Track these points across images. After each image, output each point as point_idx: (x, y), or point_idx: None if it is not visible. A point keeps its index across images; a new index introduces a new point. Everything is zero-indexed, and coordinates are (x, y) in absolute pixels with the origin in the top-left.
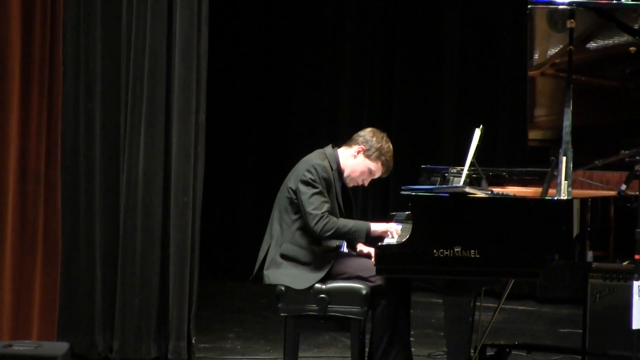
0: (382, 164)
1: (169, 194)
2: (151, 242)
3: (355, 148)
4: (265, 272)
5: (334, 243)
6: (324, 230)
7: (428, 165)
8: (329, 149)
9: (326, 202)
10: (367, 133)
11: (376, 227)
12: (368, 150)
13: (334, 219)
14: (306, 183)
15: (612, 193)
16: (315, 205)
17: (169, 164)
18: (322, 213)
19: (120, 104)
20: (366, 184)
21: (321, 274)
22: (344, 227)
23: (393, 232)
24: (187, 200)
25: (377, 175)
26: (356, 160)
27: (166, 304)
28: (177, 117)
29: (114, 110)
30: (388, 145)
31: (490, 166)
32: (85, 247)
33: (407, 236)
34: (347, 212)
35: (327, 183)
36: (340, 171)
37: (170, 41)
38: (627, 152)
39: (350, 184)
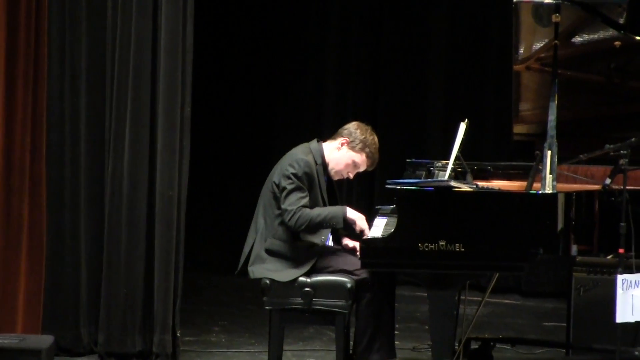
0: (367, 156)
1: (154, 188)
2: (136, 236)
3: (339, 140)
4: (250, 267)
5: (320, 237)
6: (299, 223)
7: (413, 159)
8: (314, 143)
9: (304, 197)
10: (351, 126)
11: (352, 213)
12: (352, 142)
13: (307, 210)
14: (287, 177)
15: (597, 187)
16: (291, 201)
17: (154, 158)
18: (296, 208)
19: (106, 99)
20: (351, 176)
21: (306, 268)
22: (318, 216)
23: (365, 226)
24: (172, 195)
25: (362, 168)
26: (340, 152)
27: (151, 297)
28: (162, 111)
29: (99, 105)
30: (372, 138)
31: (475, 160)
32: (70, 241)
33: (392, 230)
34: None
35: (310, 178)
36: (325, 165)
37: (156, 36)
38: (611, 146)
39: (336, 177)
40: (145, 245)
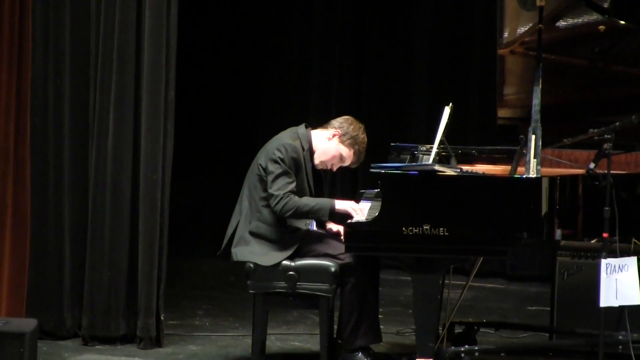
0: (354, 153)
1: (138, 172)
2: (120, 220)
3: (331, 131)
4: (233, 249)
5: (304, 222)
6: (284, 210)
7: (398, 143)
8: (301, 128)
9: (291, 182)
10: (345, 120)
11: (340, 204)
12: (344, 135)
13: (295, 198)
14: (274, 162)
15: (581, 171)
16: (279, 186)
17: (138, 142)
18: (283, 194)
19: (90, 82)
20: (334, 169)
21: (289, 252)
22: (305, 206)
23: (357, 210)
24: (156, 178)
25: (347, 163)
26: (330, 143)
27: (135, 281)
28: (146, 94)
29: (83, 88)
30: (363, 137)
31: (460, 144)
32: (54, 225)
33: (377, 214)
34: (318, 192)
35: (297, 163)
36: (311, 152)
37: (140, 18)
38: (595, 130)
39: (320, 167)
40: (130, 229)
